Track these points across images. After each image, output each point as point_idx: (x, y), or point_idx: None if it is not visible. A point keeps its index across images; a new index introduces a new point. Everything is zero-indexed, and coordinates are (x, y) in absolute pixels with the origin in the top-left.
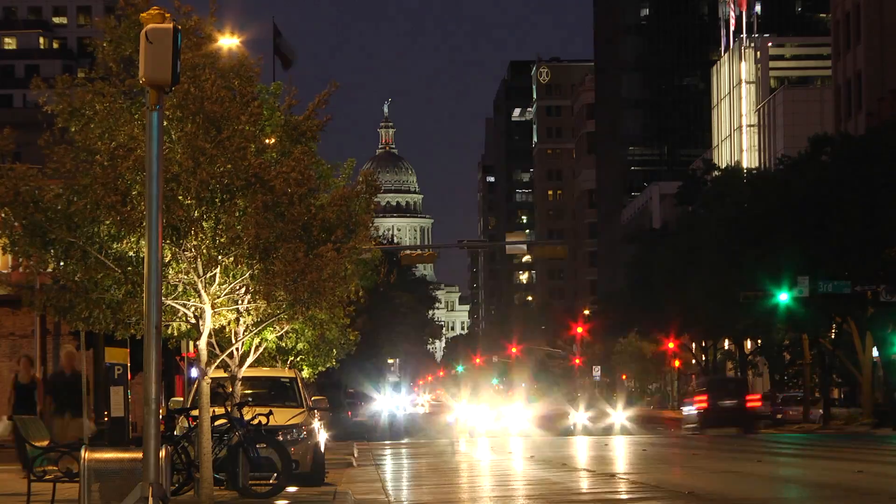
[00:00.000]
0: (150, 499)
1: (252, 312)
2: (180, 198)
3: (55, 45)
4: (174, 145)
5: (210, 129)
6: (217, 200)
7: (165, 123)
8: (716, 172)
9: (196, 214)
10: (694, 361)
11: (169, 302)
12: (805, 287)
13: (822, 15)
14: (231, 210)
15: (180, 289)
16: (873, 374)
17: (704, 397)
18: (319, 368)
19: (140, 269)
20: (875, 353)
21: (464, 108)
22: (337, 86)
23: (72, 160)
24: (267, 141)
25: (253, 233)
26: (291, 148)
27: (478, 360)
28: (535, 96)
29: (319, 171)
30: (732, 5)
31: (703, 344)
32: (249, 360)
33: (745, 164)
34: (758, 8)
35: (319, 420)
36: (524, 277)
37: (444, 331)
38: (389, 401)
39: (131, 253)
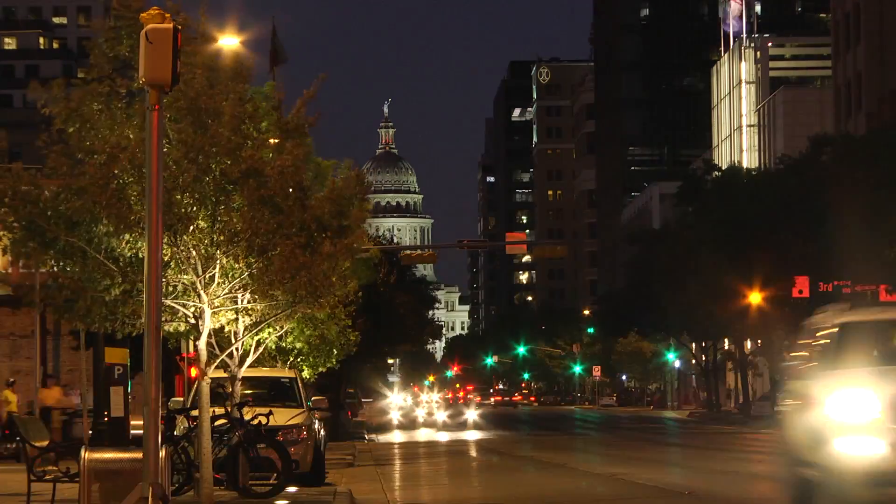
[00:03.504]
0: (150, 499)
1: (251, 312)
2: (178, 196)
3: (55, 45)
4: (170, 144)
5: (200, 124)
6: (212, 198)
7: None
8: (716, 172)
9: (192, 212)
10: (694, 361)
11: (168, 302)
12: (805, 287)
13: (822, 15)
14: (228, 207)
15: (179, 289)
16: None
17: None
18: (320, 369)
19: (137, 268)
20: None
21: (464, 108)
22: (324, 77)
23: (68, 161)
24: (269, 141)
25: (249, 228)
26: (283, 144)
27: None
28: (534, 96)
29: (316, 170)
30: (731, 5)
31: (703, 344)
32: (249, 360)
33: (745, 165)
34: (758, 8)
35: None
36: (524, 277)
37: (444, 331)
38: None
39: (129, 253)
